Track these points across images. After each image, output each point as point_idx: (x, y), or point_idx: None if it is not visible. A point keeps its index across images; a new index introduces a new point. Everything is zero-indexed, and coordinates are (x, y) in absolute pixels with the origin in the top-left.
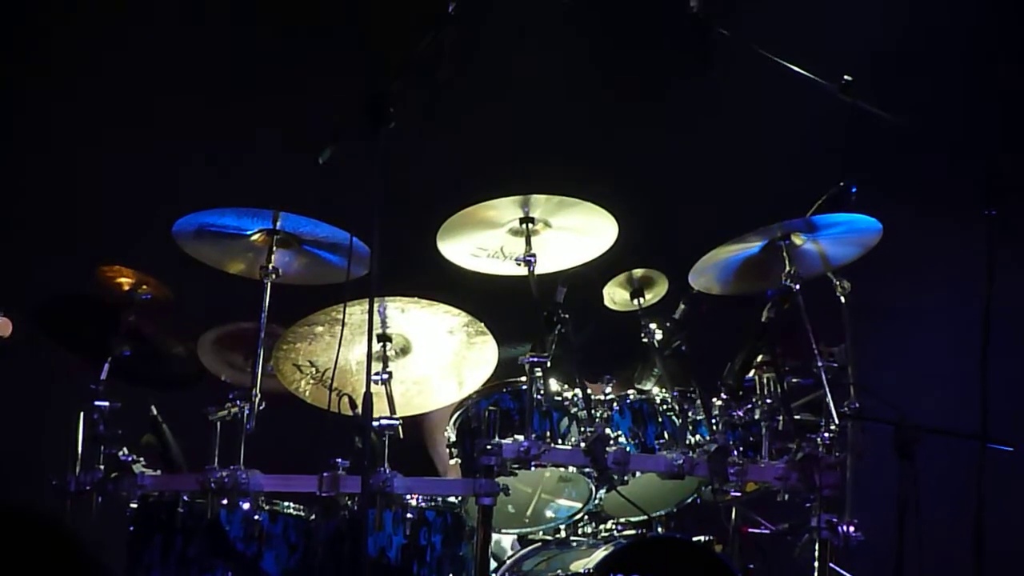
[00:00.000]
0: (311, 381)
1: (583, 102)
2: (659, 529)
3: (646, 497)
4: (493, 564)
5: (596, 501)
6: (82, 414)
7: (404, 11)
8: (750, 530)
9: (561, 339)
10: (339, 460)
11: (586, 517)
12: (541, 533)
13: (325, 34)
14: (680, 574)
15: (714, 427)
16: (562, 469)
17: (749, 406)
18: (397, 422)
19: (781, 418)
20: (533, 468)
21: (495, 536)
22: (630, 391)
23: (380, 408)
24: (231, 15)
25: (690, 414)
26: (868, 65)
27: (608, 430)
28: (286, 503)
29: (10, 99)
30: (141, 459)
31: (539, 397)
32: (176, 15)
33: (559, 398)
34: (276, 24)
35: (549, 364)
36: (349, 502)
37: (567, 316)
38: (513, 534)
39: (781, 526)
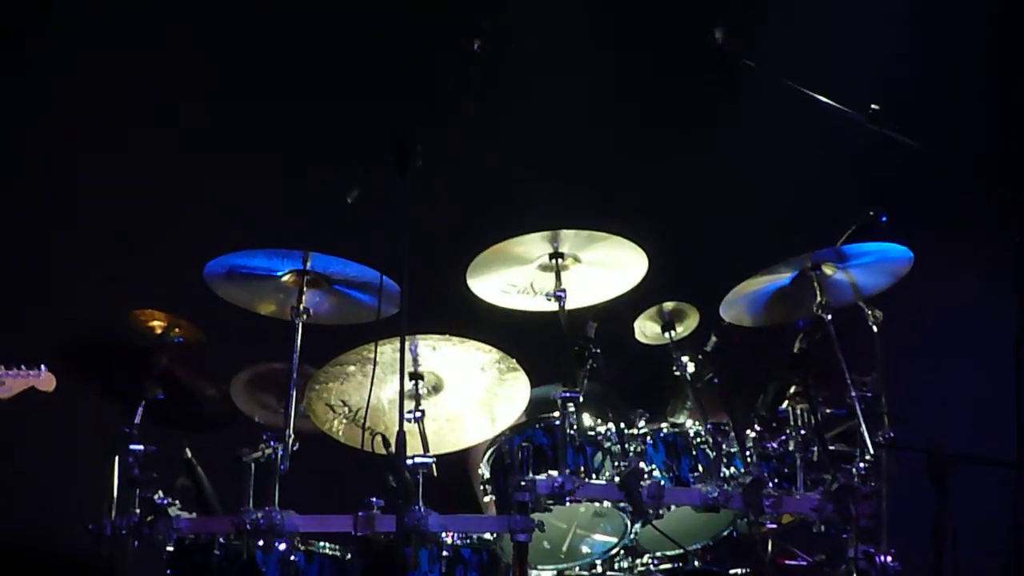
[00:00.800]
0: (344, 421)
1: (611, 135)
2: (695, 563)
3: (682, 531)
4: None
5: (631, 536)
6: (116, 458)
7: (430, 49)
8: (787, 562)
9: (593, 374)
10: (374, 499)
11: (622, 552)
12: (577, 569)
13: (352, 75)
14: None
15: (748, 459)
16: (597, 504)
17: (783, 437)
18: (431, 460)
19: (815, 449)
20: (568, 503)
21: (531, 573)
22: (663, 424)
23: (414, 446)
24: (263, 60)
25: (724, 446)
26: (894, 92)
27: (642, 464)
28: (321, 543)
29: (42, 143)
30: (176, 502)
31: (572, 432)
32: (211, 59)
33: (592, 433)
34: (305, 67)
35: (581, 399)
36: (385, 540)
37: (598, 351)
38: (549, 570)
39: (818, 557)
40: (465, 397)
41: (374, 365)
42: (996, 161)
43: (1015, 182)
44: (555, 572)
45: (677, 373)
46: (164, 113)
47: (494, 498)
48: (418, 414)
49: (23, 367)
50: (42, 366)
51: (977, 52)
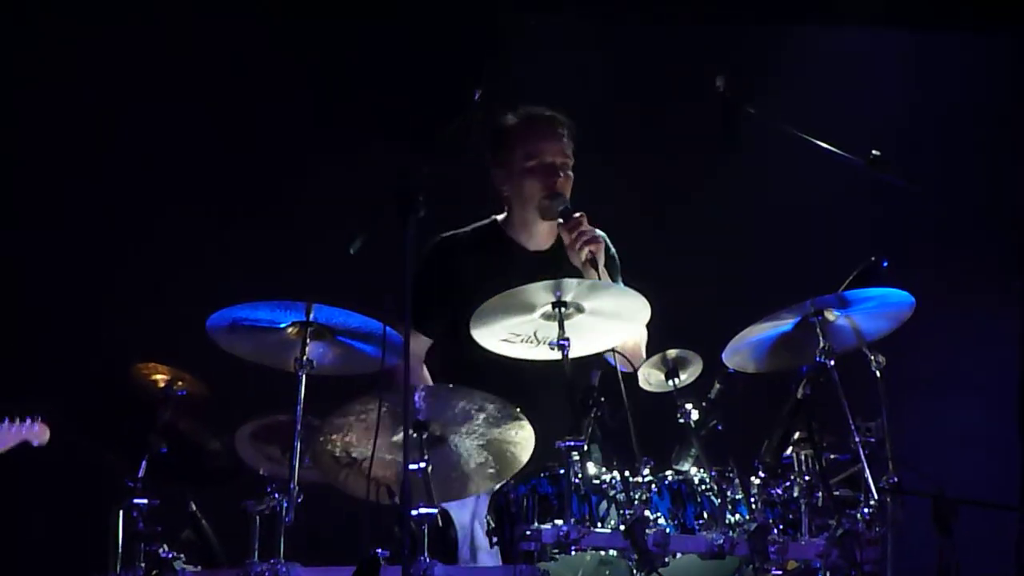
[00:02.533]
0: (349, 472)
1: (613, 184)
2: None
3: None
4: None
5: None
6: (120, 512)
7: (430, 99)
8: None
9: (597, 423)
10: (379, 550)
11: None
12: None
13: (354, 126)
14: None
15: (753, 505)
16: (602, 552)
17: (787, 483)
18: (436, 510)
19: (820, 494)
20: (573, 552)
21: None
22: (668, 472)
23: (419, 496)
24: (265, 113)
25: (729, 493)
26: (895, 138)
27: (647, 512)
28: None
29: (41, 195)
30: (181, 556)
31: (577, 481)
32: (213, 113)
33: (597, 481)
34: (306, 119)
35: (586, 448)
36: None
37: (603, 399)
38: None
39: None
40: (470, 447)
41: (378, 416)
42: (997, 205)
43: (1015, 226)
44: None
45: (681, 420)
46: (167, 165)
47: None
48: (423, 464)
49: (16, 420)
50: (37, 418)
51: (978, 101)
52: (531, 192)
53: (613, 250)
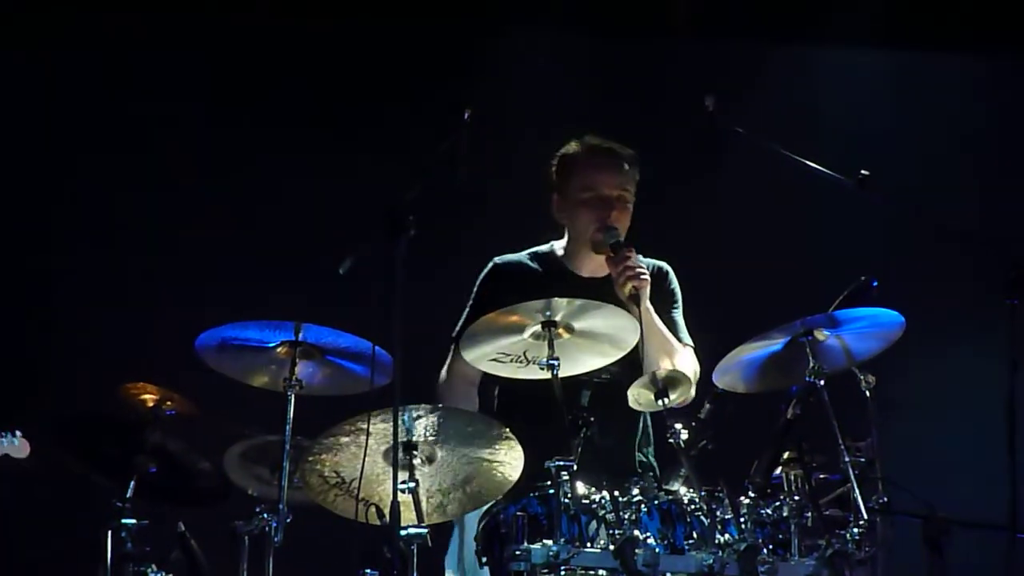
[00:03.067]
0: (338, 492)
1: None
2: None
3: None
4: None
5: None
6: (110, 532)
7: (419, 120)
8: None
9: (587, 442)
10: (368, 571)
11: None
12: None
13: (344, 145)
14: None
15: (743, 526)
16: (592, 572)
17: (777, 503)
18: (425, 530)
19: (810, 515)
20: (563, 572)
21: None
22: (658, 492)
23: (408, 517)
24: (254, 134)
25: (718, 513)
26: (884, 157)
27: (637, 532)
28: None
29: (33, 217)
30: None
31: (567, 501)
32: (201, 129)
33: (587, 501)
34: (296, 140)
35: (576, 467)
36: None
37: (592, 419)
38: None
39: None
40: (459, 467)
41: (367, 436)
42: (987, 224)
43: (1005, 246)
44: None
45: (671, 440)
46: (156, 187)
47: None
48: (412, 484)
49: None
50: (16, 432)
51: (968, 120)
52: (584, 223)
53: (676, 284)
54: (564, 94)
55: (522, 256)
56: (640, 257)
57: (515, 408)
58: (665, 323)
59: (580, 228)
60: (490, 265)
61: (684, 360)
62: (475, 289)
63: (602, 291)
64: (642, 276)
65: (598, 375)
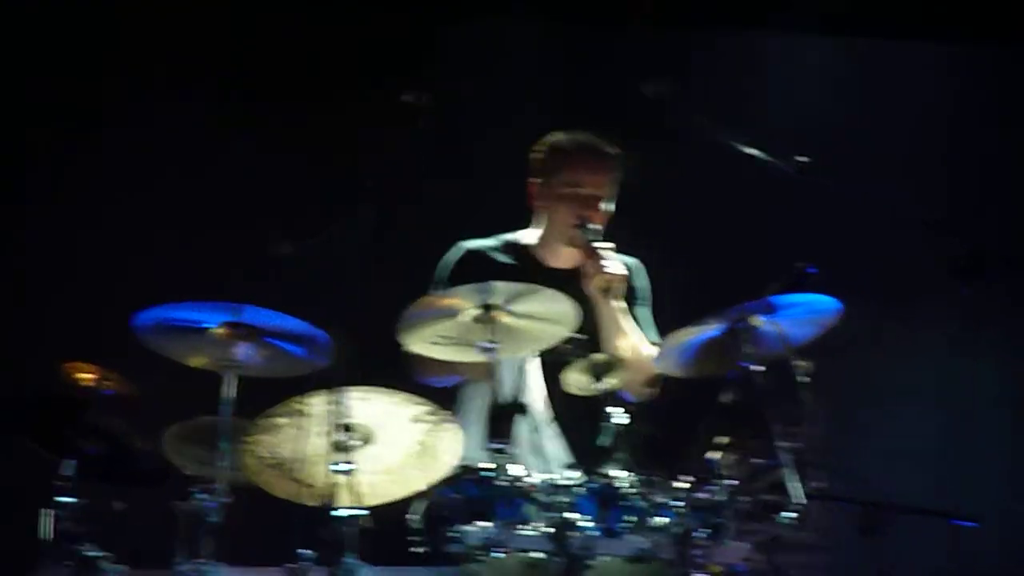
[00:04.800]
0: (275, 473)
1: None
2: None
3: None
4: None
5: None
6: (48, 512)
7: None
8: None
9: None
10: (305, 551)
11: None
12: None
13: (290, 126)
14: None
15: (679, 510)
16: (528, 555)
17: (713, 488)
18: (363, 512)
19: (746, 499)
20: (498, 555)
21: None
22: (594, 476)
23: (345, 499)
24: (201, 110)
25: (654, 497)
26: (831, 144)
27: (573, 515)
28: None
29: None
30: (108, 555)
31: (503, 484)
32: (149, 107)
33: (523, 484)
34: (240, 115)
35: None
36: None
37: (525, 403)
38: None
39: None
40: (397, 449)
41: (305, 417)
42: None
43: (956, 231)
44: None
45: (608, 424)
46: (96, 164)
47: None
48: (350, 466)
49: None
50: None
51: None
52: (563, 217)
53: (646, 281)
54: (517, 83)
55: (491, 243)
56: (612, 252)
57: (471, 392)
58: (634, 318)
59: (558, 221)
60: (459, 250)
61: (650, 358)
62: (444, 273)
63: (570, 283)
64: (614, 273)
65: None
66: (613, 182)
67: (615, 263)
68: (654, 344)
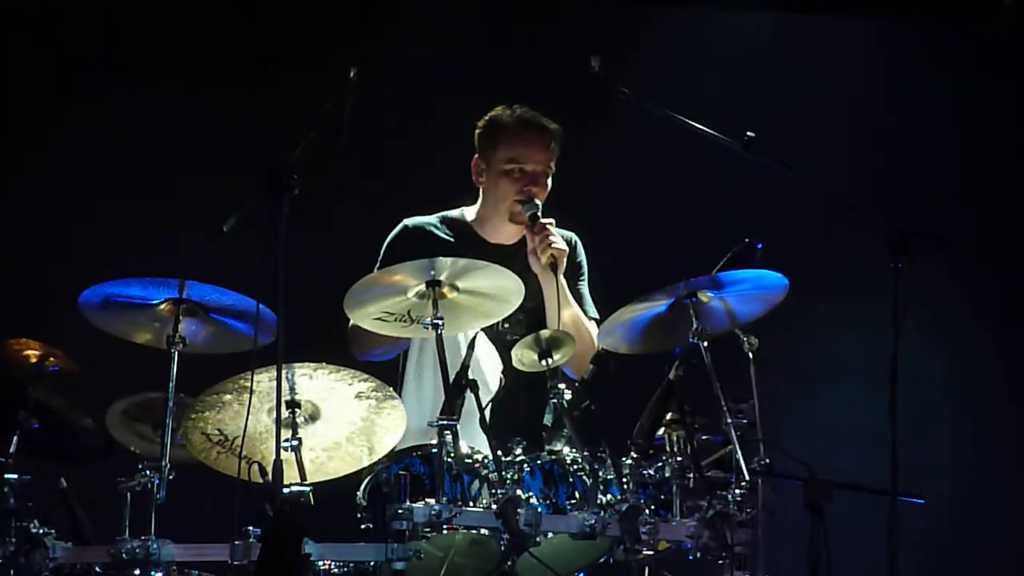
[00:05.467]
0: (221, 450)
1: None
2: None
3: (559, 558)
4: None
5: (508, 564)
6: None
7: (305, 78)
8: None
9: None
10: (251, 528)
11: None
12: None
13: (231, 102)
14: None
15: (625, 486)
16: (474, 531)
17: (659, 464)
18: (308, 488)
19: (692, 476)
20: (445, 531)
21: None
22: (540, 452)
23: (290, 475)
24: (140, 84)
25: (601, 473)
26: (769, 120)
27: (519, 492)
28: (197, 572)
29: None
30: (52, 531)
31: (449, 460)
32: (88, 83)
33: (469, 461)
34: (181, 90)
35: (459, 427)
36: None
37: (475, 379)
38: None
39: None
40: (342, 426)
41: (250, 394)
42: (872, 185)
43: (891, 207)
44: None
45: (554, 400)
46: (41, 138)
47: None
48: (295, 443)
49: None
50: None
51: (858, 85)
52: (505, 193)
53: (583, 256)
54: (455, 55)
55: (432, 219)
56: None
57: (421, 368)
58: (572, 294)
59: (499, 196)
60: (400, 227)
61: (591, 333)
62: (384, 249)
63: (512, 258)
64: (560, 247)
65: (506, 336)
66: (553, 159)
67: (558, 238)
68: (594, 320)
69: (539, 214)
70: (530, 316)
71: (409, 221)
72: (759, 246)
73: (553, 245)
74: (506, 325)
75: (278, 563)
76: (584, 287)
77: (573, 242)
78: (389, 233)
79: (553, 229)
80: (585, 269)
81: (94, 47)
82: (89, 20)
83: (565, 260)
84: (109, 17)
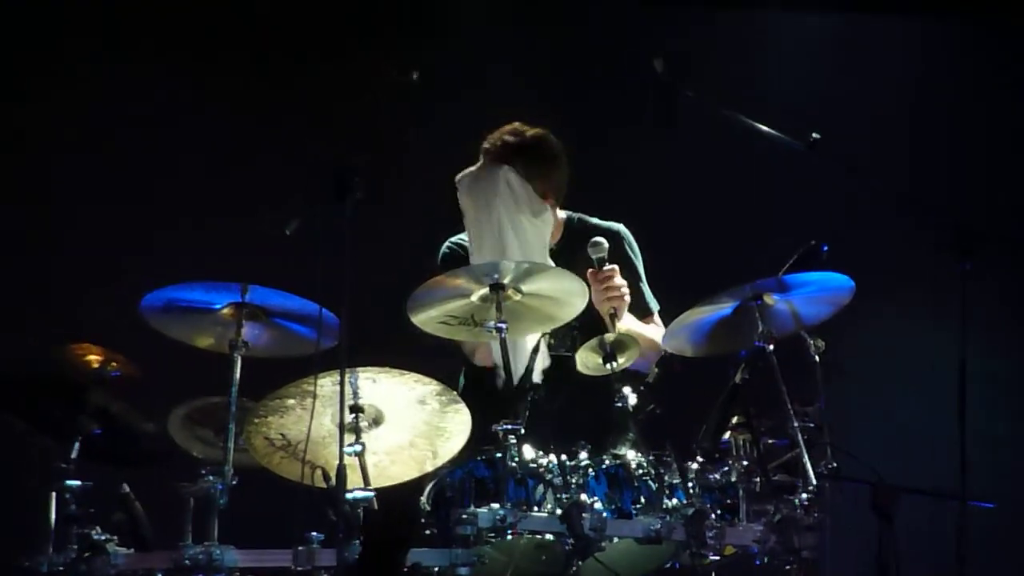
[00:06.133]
0: (283, 455)
1: None
2: None
3: (624, 563)
4: None
5: (574, 568)
6: (53, 494)
7: (369, 81)
8: None
9: (534, 406)
10: (313, 534)
11: None
12: None
13: (291, 106)
14: None
15: (691, 490)
16: (539, 536)
17: (725, 468)
18: (371, 494)
19: (758, 480)
20: (509, 536)
21: None
22: (605, 456)
23: (354, 480)
24: (200, 95)
25: (666, 478)
26: (836, 122)
27: (584, 496)
28: None
29: None
30: (114, 538)
31: (513, 465)
32: (147, 94)
33: (534, 465)
34: (244, 97)
35: (523, 431)
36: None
37: (539, 383)
38: None
39: None
40: (406, 430)
41: (313, 398)
42: (940, 190)
43: (959, 211)
44: None
45: (619, 405)
46: (101, 146)
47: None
48: (358, 448)
49: None
50: None
51: (920, 85)
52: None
53: (634, 249)
54: (514, 59)
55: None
56: (596, 220)
57: (482, 373)
58: (631, 293)
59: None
60: (444, 248)
61: (654, 338)
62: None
63: (555, 258)
64: (622, 297)
65: (561, 342)
66: (559, 179)
67: (619, 287)
68: (655, 312)
69: (605, 258)
70: (579, 331)
71: (450, 240)
72: (825, 248)
73: (615, 294)
74: (552, 340)
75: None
76: (643, 282)
77: (620, 234)
78: (450, 236)
79: (618, 276)
80: (639, 263)
81: (152, 52)
82: (148, 25)
83: (625, 308)
84: (167, 20)
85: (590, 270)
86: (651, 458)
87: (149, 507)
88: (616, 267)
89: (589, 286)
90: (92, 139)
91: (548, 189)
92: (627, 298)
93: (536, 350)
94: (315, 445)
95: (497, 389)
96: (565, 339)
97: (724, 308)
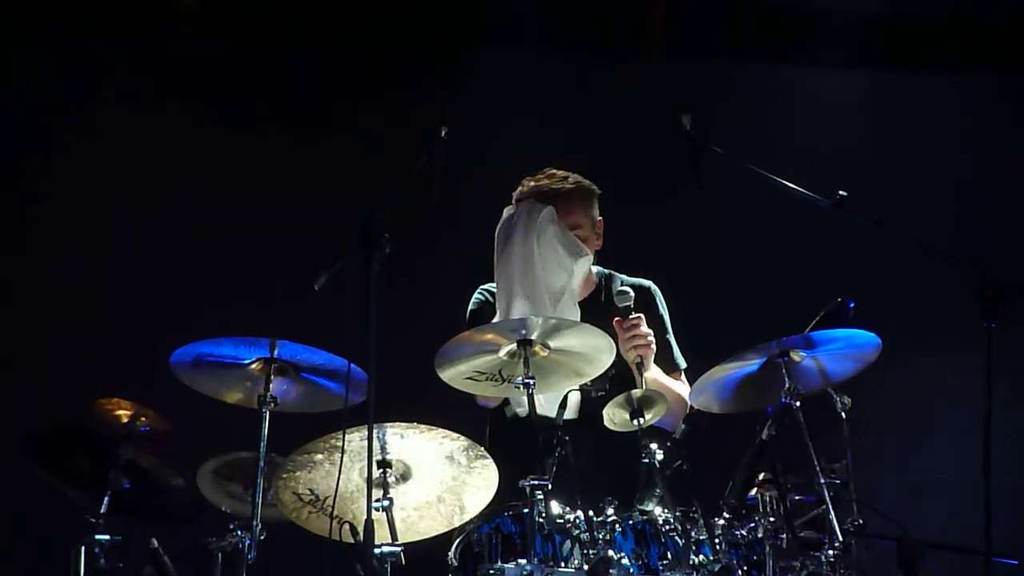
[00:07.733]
0: (312, 510)
1: None
2: None
3: None
4: None
5: None
6: (83, 548)
7: (396, 135)
8: None
9: (561, 461)
10: None
11: None
12: None
13: (321, 162)
14: None
15: (717, 547)
16: None
17: (752, 524)
18: (399, 548)
19: (784, 536)
20: None
21: None
22: (632, 512)
23: (382, 535)
24: (230, 149)
25: (693, 534)
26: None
27: (611, 552)
28: None
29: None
30: None
31: (540, 520)
32: (176, 148)
33: (561, 521)
34: (273, 154)
35: (550, 487)
36: None
37: (567, 438)
38: None
39: None
40: (433, 485)
41: (342, 453)
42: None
43: (984, 267)
44: None
45: (646, 460)
46: (131, 198)
47: None
48: (386, 502)
49: None
50: None
51: (944, 141)
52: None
53: (663, 306)
54: (540, 113)
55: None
56: (624, 276)
57: (507, 427)
58: (659, 347)
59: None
60: (477, 293)
61: (681, 393)
62: (468, 317)
63: (584, 313)
64: (648, 345)
65: (591, 394)
66: (590, 222)
67: (646, 336)
68: (683, 369)
69: (631, 306)
70: (615, 372)
71: (482, 287)
72: (852, 304)
73: (640, 343)
74: (589, 383)
75: None
76: (670, 336)
77: (651, 291)
78: (482, 284)
79: (643, 324)
80: (667, 319)
81: (183, 104)
82: (180, 74)
83: (651, 356)
84: (196, 72)
85: (616, 318)
86: (678, 514)
87: (178, 562)
88: (642, 316)
89: (615, 338)
90: (122, 193)
91: (589, 235)
92: (653, 347)
93: (563, 405)
94: (343, 500)
95: (524, 442)
96: (600, 381)
97: (751, 365)
